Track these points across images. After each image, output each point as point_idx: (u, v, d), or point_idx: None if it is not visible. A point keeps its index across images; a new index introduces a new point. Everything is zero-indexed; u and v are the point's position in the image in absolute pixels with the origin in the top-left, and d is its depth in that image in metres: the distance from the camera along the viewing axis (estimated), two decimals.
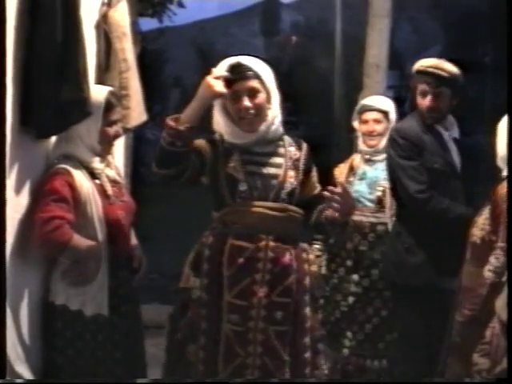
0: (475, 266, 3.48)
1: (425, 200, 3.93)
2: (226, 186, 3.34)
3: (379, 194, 4.51)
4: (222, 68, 3.27)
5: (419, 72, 4.05)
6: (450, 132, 4.12)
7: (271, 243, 3.31)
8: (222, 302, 3.31)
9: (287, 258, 3.35)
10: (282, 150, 3.45)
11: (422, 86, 4.03)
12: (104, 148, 3.41)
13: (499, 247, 3.24)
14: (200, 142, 3.31)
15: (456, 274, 3.93)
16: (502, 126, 3.48)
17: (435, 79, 3.98)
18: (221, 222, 3.36)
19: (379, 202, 4.52)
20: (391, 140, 4.14)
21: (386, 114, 4.62)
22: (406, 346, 4.13)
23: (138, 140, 8.43)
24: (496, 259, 3.24)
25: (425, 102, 4.02)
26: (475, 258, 3.49)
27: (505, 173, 3.44)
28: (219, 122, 3.37)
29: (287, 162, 3.44)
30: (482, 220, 3.48)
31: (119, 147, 4.21)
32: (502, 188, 3.34)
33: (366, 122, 4.62)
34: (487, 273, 3.26)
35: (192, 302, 3.36)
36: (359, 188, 4.60)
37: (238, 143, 3.35)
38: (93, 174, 3.35)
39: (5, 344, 2.91)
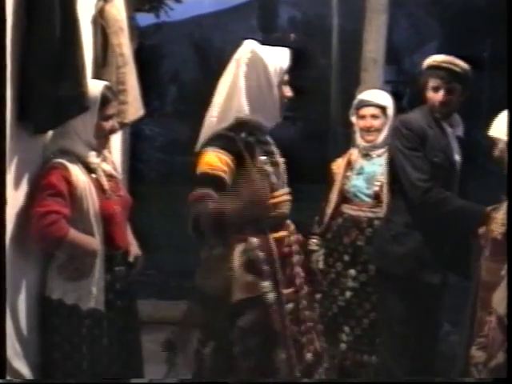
0: (496, 262, 3.48)
1: (426, 188, 3.94)
2: (260, 182, 3.37)
3: (376, 188, 4.50)
4: (285, 59, 3.43)
5: (432, 67, 4.06)
6: (455, 130, 4.14)
7: (292, 226, 3.52)
8: (282, 296, 3.39)
9: (298, 235, 3.57)
10: (268, 138, 3.55)
11: (434, 81, 4.03)
12: (100, 142, 3.42)
13: None
14: (225, 163, 3.27)
15: (437, 269, 3.95)
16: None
17: (448, 74, 4.00)
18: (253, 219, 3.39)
19: (376, 197, 4.51)
20: (396, 130, 4.16)
21: (383, 109, 4.60)
22: (388, 333, 4.18)
23: (136, 136, 8.44)
24: None
25: (437, 96, 4.03)
26: (496, 253, 3.50)
27: None
28: (260, 104, 3.39)
29: (277, 148, 3.57)
30: (502, 215, 3.49)
31: (116, 143, 4.21)
32: None
33: (363, 117, 4.61)
34: None
35: (269, 307, 3.35)
36: (357, 183, 4.59)
37: (267, 126, 3.47)
38: (89, 169, 3.35)
39: (5, 344, 2.91)
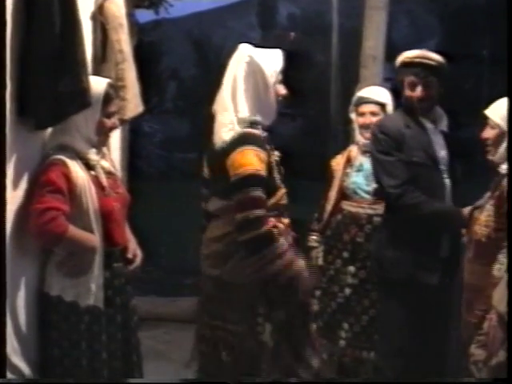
0: (481, 265, 3.46)
1: (397, 195, 3.93)
2: (277, 173, 3.58)
3: (376, 185, 4.49)
4: (279, 60, 3.59)
5: (405, 64, 4.02)
6: (438, 125, 4.11)
7: None
8: None
9: None
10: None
11: (410, 78, 3.99)
12: (100, 139, 3.41)
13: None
14: (263, 161, 3.45)
15: (434, 270, 3.93)
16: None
17: (423, 69, 3.97)
18: (274, 207, 3.52)
19: (376, 194, 4.50)
20: (372, 135, 4.16)
21: (383, 106, 4.59)
22: (390, 338, 4.15)
23: (135, 133, 8.44)
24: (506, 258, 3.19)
25: (415, 93, 3.99)
26: (480, 256, 3.47)
27: (503, 170, 3.42)
28: (259, 104, 3.54)
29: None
30: (485, 217, 3.45)
31: (115, 140, 4.20)
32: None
33: (362, 114, 4.60)
34: (497, 272, 3.21)
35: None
36: (356, 179, 4.59)
37: (265, 125, 3.59)
38: (88, 165, 3.35)
39: (5, 343, 2.91)
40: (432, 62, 3.98)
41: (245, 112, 3.49)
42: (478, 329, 3.29)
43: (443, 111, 4.16)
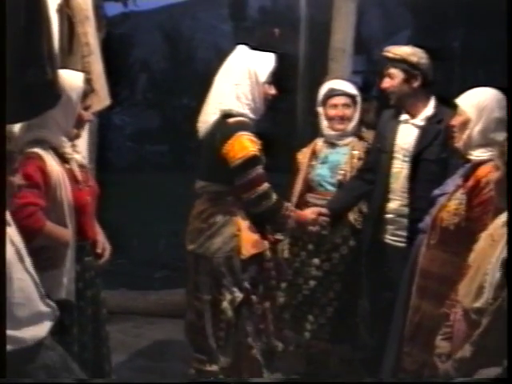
0: (444, 252, 3.47)
1: None
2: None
3: (340, 177, 4.53)
4: (271, 62, 3.95)
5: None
6: (415, 117, 4.19)
7: None
8: None
9: None
10: None
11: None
12: (77, 133, 3.44)
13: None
14: (257, 143, 3.85)
15: None
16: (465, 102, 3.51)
17: (387, 61, 4.18)
18: None
19: (340, 186, 4.53)
20: None
21: (353, 98, 4.63)
22: None
23: (105, 126, 8.38)
24: None
25: (381, 84, 4.21)
26: (446, 243, 3.46)
27: (473, 156, 3.43)
28: (253, 100, 3.88)
29: None
30: (455, 205, 3.44)
31: (83, 132, 4.18)
32: (483, 172, 3.34)
33: (334, 106, 4.62)
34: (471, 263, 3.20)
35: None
36: (321, 172, 4.62)
37: (254, 119, 3.95)
38: (63, 159, 3.34)
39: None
40: (390, 55, 4.16)
41: (231, 105, 3.76)
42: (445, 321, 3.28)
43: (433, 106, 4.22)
